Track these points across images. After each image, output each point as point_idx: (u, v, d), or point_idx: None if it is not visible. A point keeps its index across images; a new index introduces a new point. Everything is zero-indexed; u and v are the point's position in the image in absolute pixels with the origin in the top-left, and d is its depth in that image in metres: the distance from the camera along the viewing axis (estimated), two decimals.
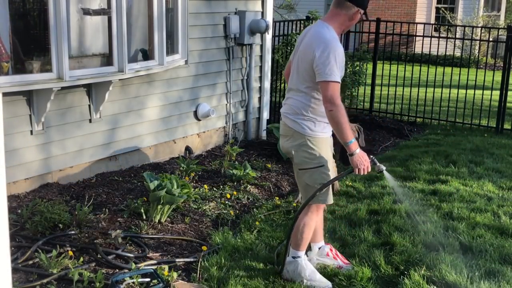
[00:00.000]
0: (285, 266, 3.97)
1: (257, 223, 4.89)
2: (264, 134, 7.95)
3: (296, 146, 3.78)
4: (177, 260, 4.18)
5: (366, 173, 3.63)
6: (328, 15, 3.77)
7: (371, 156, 3.71)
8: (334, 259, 4.19)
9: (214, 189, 5.70)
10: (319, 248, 4.21)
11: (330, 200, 3.88)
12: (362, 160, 3.60)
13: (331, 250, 4.22)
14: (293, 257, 3.96)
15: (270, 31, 7.64)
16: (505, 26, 13.11)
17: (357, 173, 3.63)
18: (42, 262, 3.80)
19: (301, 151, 3.76)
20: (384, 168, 3.69)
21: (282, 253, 4.13)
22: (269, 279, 3.94)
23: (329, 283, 3.92)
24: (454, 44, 11.38)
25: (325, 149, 3.80)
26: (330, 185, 3.81)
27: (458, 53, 16.88)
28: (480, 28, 11.26)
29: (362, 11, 3.71)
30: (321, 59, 3.55)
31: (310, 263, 4.02)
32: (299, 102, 3.75)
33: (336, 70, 3.56)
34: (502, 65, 9.25)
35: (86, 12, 5.45)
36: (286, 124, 3.84)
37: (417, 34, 9.97)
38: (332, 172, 3.87)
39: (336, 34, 3.69)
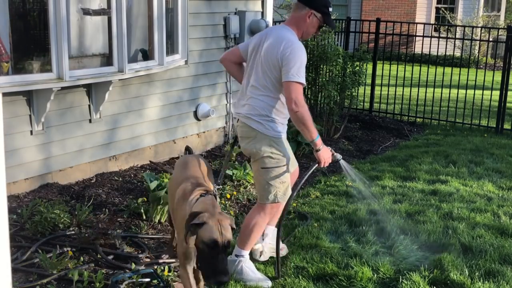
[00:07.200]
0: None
1: None
2: None
3: (261, 147, 3.75)
4: (177, 260, 4.17)
5: (327, 164, 3.81)
6: (288, 20, 3.89)
7: (329, 147, 3.85)
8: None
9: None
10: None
11: (286, 198, 3.89)
12: (326, 154, 3.76)
13: None
14: (236, 256, 3.91)
15: None
16: (505, 26, 13.11)
17: (322, 166, 3.79)
18: (42, 262, 3.80)
19: (266, 152, 3.76)
20: (340, 157, 3.89)
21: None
22: (269, 279, 3.94)
23: (269, 281, 3.86)
24: (454, 44, 11.38)
25: (287, 148, 3.85)
26: (289, 184, 3.87)
27: (458, 53, 16.88)
28: (480, 28, 11.27)
29: (315, 13, 3.76)
30: (288, 60, 3.61)
31: (251, 264, 3.94)
32: (264, 103, 3.75)
33: (303, 71, 3.64)
34: (502, 65, 9.25)
35: (86, 12, 5.45)
36: (248, 125, 3.80)
37: (417, 34, 9.98)
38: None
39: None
